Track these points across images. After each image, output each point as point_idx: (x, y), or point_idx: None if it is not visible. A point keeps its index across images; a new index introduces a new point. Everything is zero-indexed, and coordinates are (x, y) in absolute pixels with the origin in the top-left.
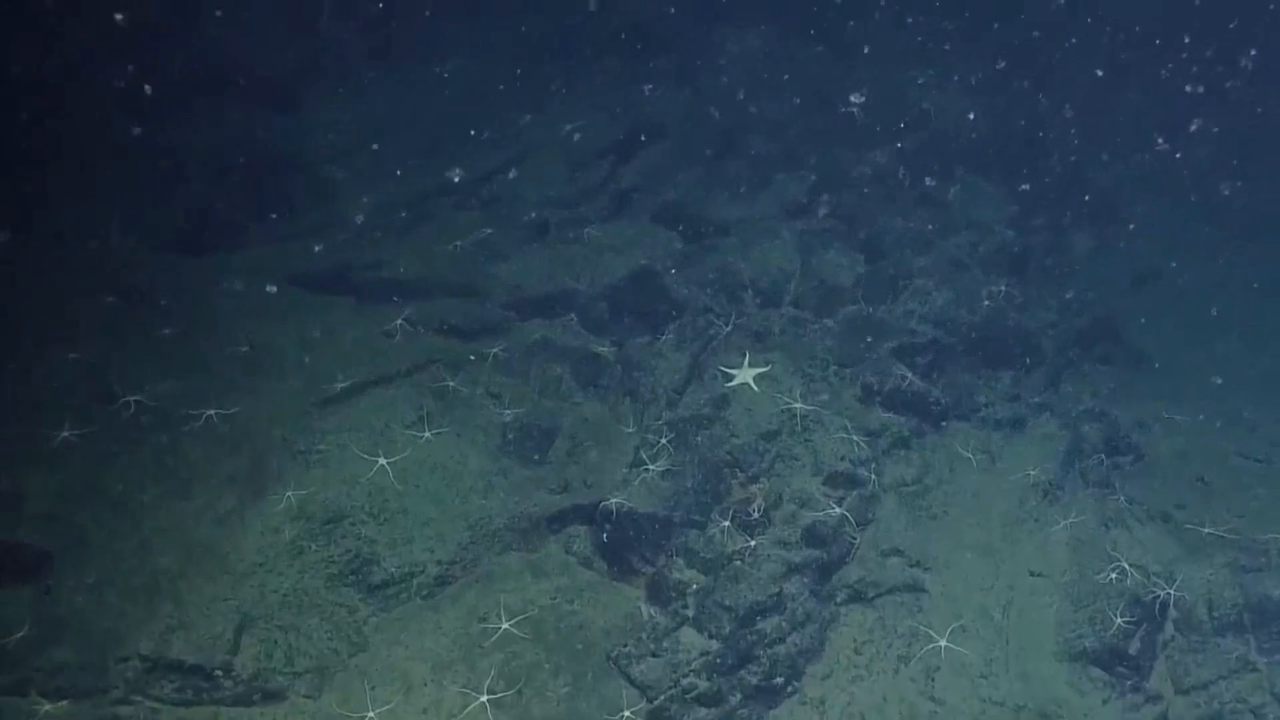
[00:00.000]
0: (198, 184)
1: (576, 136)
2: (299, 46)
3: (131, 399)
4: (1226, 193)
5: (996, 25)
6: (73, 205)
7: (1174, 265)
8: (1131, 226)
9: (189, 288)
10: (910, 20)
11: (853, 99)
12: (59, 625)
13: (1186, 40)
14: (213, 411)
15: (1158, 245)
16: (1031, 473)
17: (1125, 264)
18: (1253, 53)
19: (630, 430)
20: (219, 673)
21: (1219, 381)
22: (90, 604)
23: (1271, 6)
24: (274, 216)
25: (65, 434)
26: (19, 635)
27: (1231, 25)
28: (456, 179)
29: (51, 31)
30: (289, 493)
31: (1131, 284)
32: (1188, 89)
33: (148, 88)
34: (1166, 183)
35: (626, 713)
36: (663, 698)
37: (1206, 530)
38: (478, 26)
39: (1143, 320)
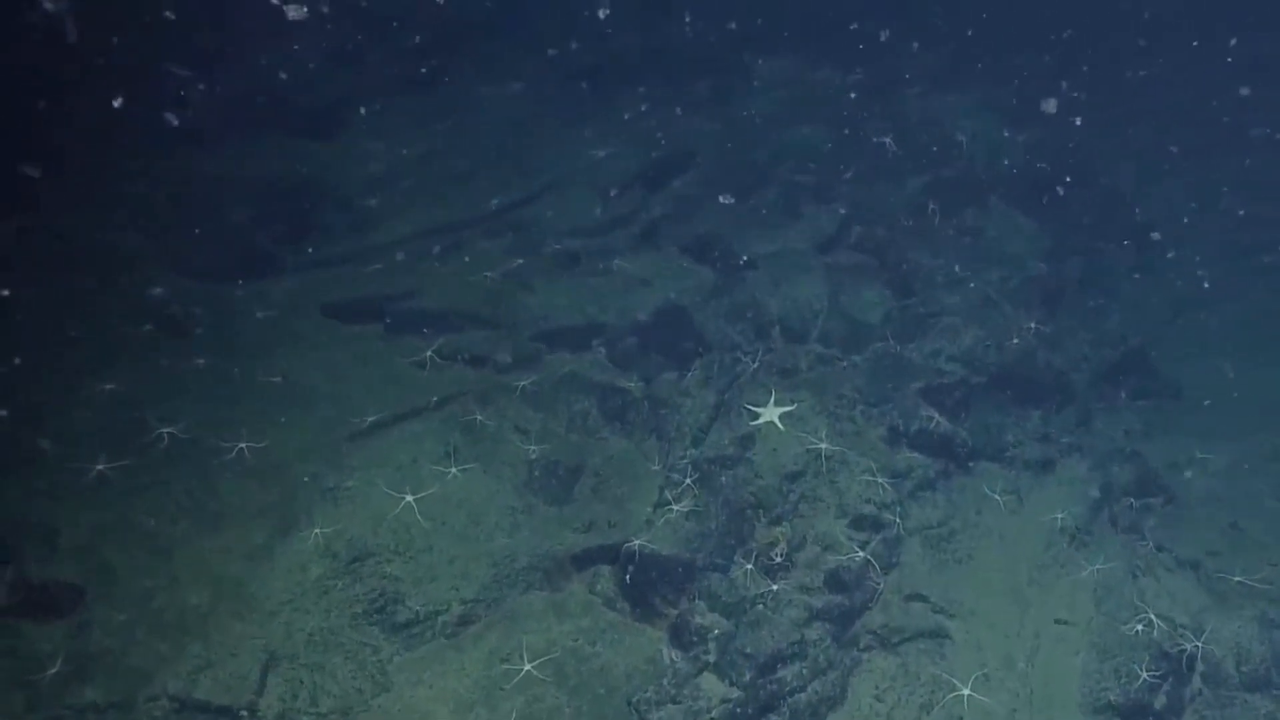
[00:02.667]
0: (235, 212)
1: (607, 164)
2: (337, 76)
3: (165, 431)
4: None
5: (1031, 54)
6: (106, 229)
7: (1211, 297)
8: (1170, 255)
9: (224, 317)
10: (945, 50)
11: (887, 140)
12: (89, 662)
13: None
14: (244, 444)
15: (1194, 276)
16: (1060, 516)
17: (1161, 295)
18: None
19: (656, 468)
20: (245, 713)
21: (1255, 417)
22: (120, 641)
23: None
24: (309, 245)
25: (100, 467)
26: (51, 672)
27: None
28: (489, 208)
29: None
30: (316, 529)
31: (1167, 316)
32: (1227, 119)
33: (174, 119)
34: (1205, 212)
35: None
36: None
37: (1237, 579)
38: (511, 55)
39: (1178, 353)
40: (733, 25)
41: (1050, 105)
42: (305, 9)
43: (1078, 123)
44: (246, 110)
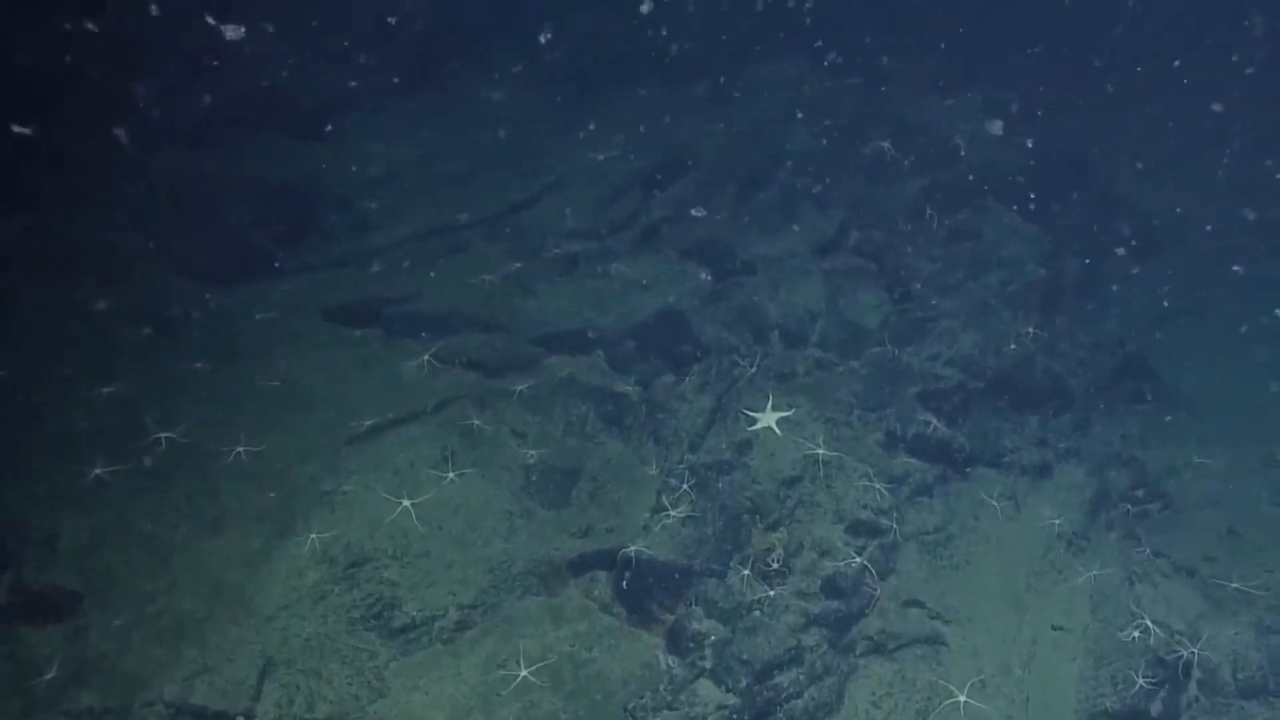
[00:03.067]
0: (234, 212)
1: (607, 167)
2: (334, 76)
3: (163, 435)
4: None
5: (1030, 57)
6: (106, 229)
7: (1210, 300)
8: (1167, 259)
9: (223, 320)
10: (942, 53)
11: (885, 145)
12: (86, 668)
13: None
14: (242, 448)
15: (1194, 279)
16: (1057, 521)
17: (1160, 298)
18: None
19: (653, 473)
20: (241, 719)
21: (1251, 422)
22: (117, 646)
23: None
24: (308, 246)
25: (98, 471)
26: (48, 677)
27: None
28: (488, 210)
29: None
30: (313, 535)
31: (1166, 319)
32: (1219, 109)
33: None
34: (1204, 215)
35: None
36: None
37: (1234, 585)
38: (510, 56)
39: (1176, 357)
40: (732, 27)
41: (996, 127)
42: (243, 29)
43: (1075, 127)
44: (245, 111)
